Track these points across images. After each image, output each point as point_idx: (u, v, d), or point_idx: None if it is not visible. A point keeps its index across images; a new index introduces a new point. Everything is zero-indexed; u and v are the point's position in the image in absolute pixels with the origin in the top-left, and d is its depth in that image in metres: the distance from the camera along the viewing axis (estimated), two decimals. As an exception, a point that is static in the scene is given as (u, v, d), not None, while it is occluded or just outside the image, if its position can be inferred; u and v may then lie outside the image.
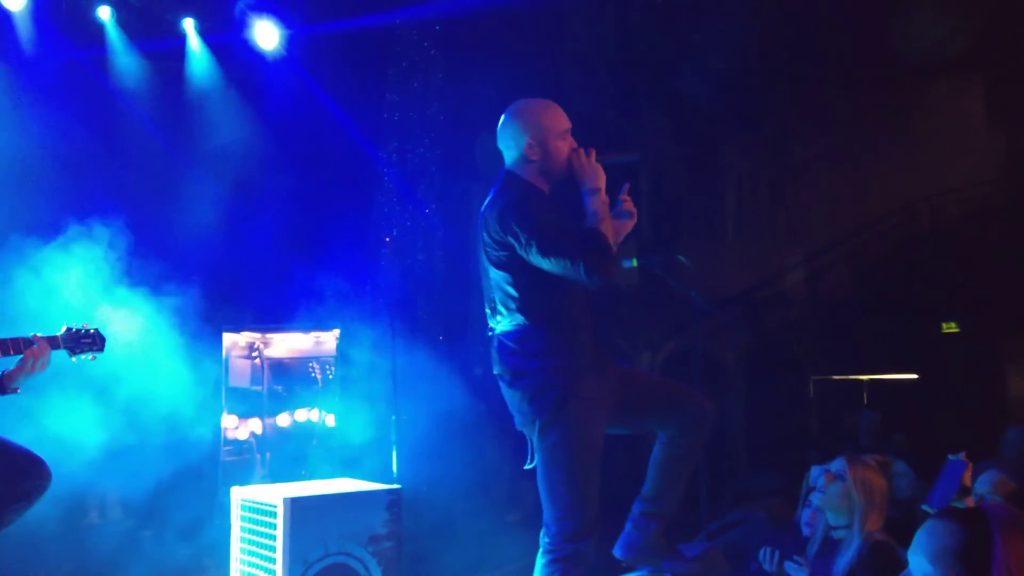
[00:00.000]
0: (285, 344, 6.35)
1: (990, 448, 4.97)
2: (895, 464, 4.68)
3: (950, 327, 8.86)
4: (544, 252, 2.69)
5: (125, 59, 6.08)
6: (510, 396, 2.88)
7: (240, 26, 6.33)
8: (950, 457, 2.90)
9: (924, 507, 2.91)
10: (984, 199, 9.36)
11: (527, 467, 2.89)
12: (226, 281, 5.88)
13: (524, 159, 2.89)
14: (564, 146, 2.89)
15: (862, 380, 9.72)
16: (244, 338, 6.15)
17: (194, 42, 6.33)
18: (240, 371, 6.08)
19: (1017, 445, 4.87)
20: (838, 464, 3.15)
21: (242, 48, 6.43)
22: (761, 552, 3.31)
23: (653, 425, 3.09)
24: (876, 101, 9.06)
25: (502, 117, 2.97)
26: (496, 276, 2.84)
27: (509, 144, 2.93)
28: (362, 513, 3.31)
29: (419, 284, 7.04)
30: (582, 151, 2.89)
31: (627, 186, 3.05)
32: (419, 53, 7.39)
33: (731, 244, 10.39)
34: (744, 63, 8.35)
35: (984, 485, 3.00)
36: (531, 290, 2.79)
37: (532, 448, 2.88)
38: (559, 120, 2.91)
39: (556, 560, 2.78)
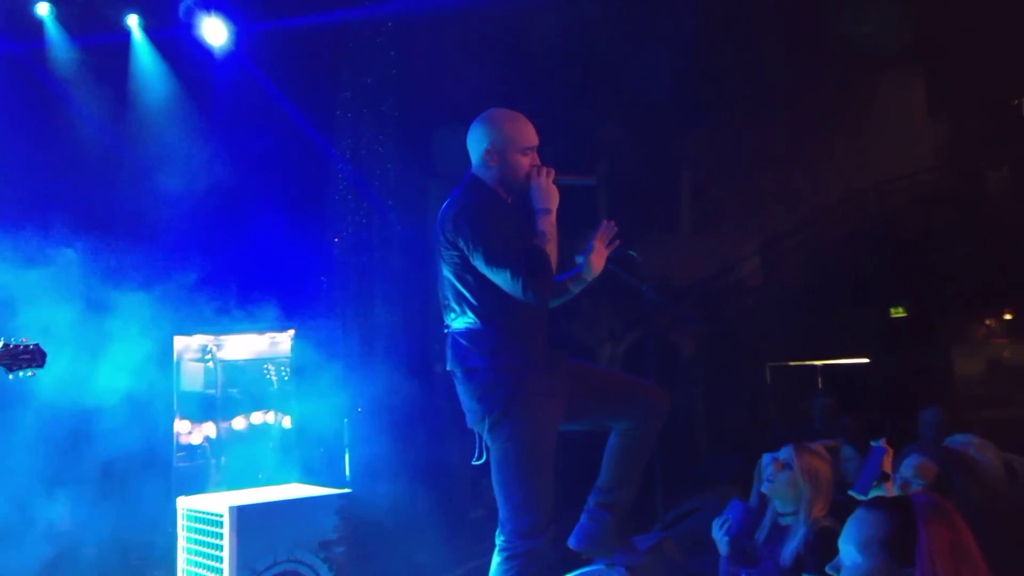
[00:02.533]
0: (239, 346, 6.27)
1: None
2: (843, 448, 4.78)
3: (898, 312, 9.06)
4: (487, 261, 2.73)
5: (66, 55, 5.95)
6: (462, 393, 2.90)
7: (187, 22, 6.22)
8: (872, 443, 2.96)
9: (850, 492, 2.97)
10: (929, 186, 9.58)
11: (475, 463, 2.91)
12: (177, 283, 5.78)
13: (484, 165, 2.94)
14: (524, 161, 2.93)
15: (816, 365, 9.90)
16: (196, 341, 6.06)
17: (138, 38, 6.21)
18: (193, 375, 5.99)
19: (934, 425, 5.03)
20: (786, 453, 3.21)
21: (189, 44, 6.33)
22: (715, 523, 3.36)
23: (606, 419, 3.12)
24: (826, 92, 9.20)
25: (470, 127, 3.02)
26: (449, 274, 2.87)
27: (473, 148, 2.99)
28: (312, 519, 3.29)
29: (375, 282, 7.00)
30: (543, 170, 2.92)
31: (611, 227, 3.05)
32: (373, 49, 7.32)
33: (687, 236, 10.49)
34: (697, 57, 8.42)
35: (908, 469, 3.07)
36: (483, 288, 2.82)
37: (480, 445, 2.90)
38: (523, 135, 2.95)
39: (512, 557, 2.80)
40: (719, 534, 3.31)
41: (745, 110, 9.44)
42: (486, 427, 2.83)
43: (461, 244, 2.78)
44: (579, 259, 3.07)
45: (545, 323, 2.97)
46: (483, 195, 2.90)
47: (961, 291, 8.33)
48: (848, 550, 1.53)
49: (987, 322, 9.44)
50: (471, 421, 2.91)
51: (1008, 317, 9.34)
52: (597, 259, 3.06)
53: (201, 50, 6.35)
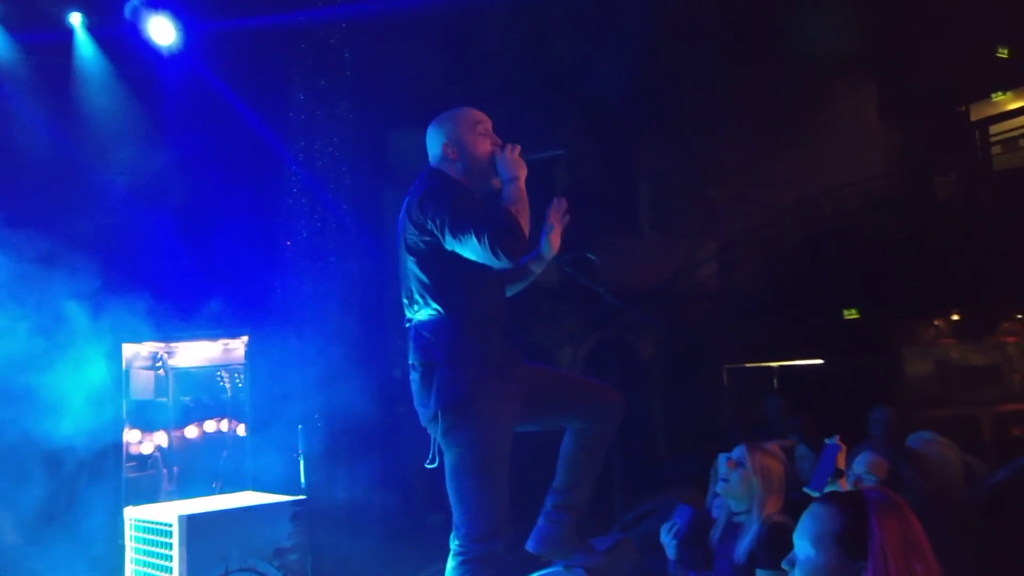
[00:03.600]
0: (191, 353, 6.15)
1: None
2: (798, 448, 4.84)
3: (851, 314, 9.23)
4: (454, 231, 2.68)
5: (7, 54, 5.79)
6: (417, 388, 2.85)
7: (133, 21, 6.08)
8: (827, 441, 3.01)
9: (805, 490, 3.01)
10: (880, 191, 9.80)
11: (428, 466, 2.86)
12: (125, 288, 5.64)
13: (446, 160, 2.92)
14: (482, 141, 2.92)
15: (772, 367, 10.04)
16: (146, 348, 5.93)
17: (82, 37, 6.07)
18: (143, 383, 5.85)
19: (883, 424, 5.15)
20: (739, 452, 3.24)
21: (136, 44, 6.18)
22: (663, 528, 3.38)
23: (560, 420, 3.11)
24: (780, 100, 9.36)
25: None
26: (413, 265, 2.83)
27: (432, 148, 2.98)
28: (265, 527, 3.22)
29: (332, 286, 6.92)
30: (508, 145, 2.91)
31: (563, 203, 3.06)
32: (326, 51, 7.25)
33: (646, 240, 10.58)
34: (654, 64, 8.50)
35: (860, 466, 3.12)
36: (448, 281, 2.78)
37: (433, 447, 2.86)
38: (471, 116, 2.96)
39: (466, 562, 2.76)
40: (667, 538, 3.33)
41: (701, 117, 9.56)
42: (440, 429, 2.78)
43: (430, 225, 2.74)
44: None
45: (507, 320, 2.95)
46: (447, 180, 2.88)
47: (911, 294, 8.52)
48: (802, 544, 1.54)
49: (936, 323, 9.66)
50: (424, 419, 2.86)
51: (956, 318, 9.57)
52: (555, 237, 3.07)
53: (148, 50, 6.21)
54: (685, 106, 9.51)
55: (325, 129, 7.24)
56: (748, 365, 10.34)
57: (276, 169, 7.08)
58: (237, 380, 5.99)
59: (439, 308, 2.80)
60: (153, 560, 3.15)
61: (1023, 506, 3.27)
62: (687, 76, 9.19)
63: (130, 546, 3.31)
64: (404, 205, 2.88)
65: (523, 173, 2.87)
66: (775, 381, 9.99)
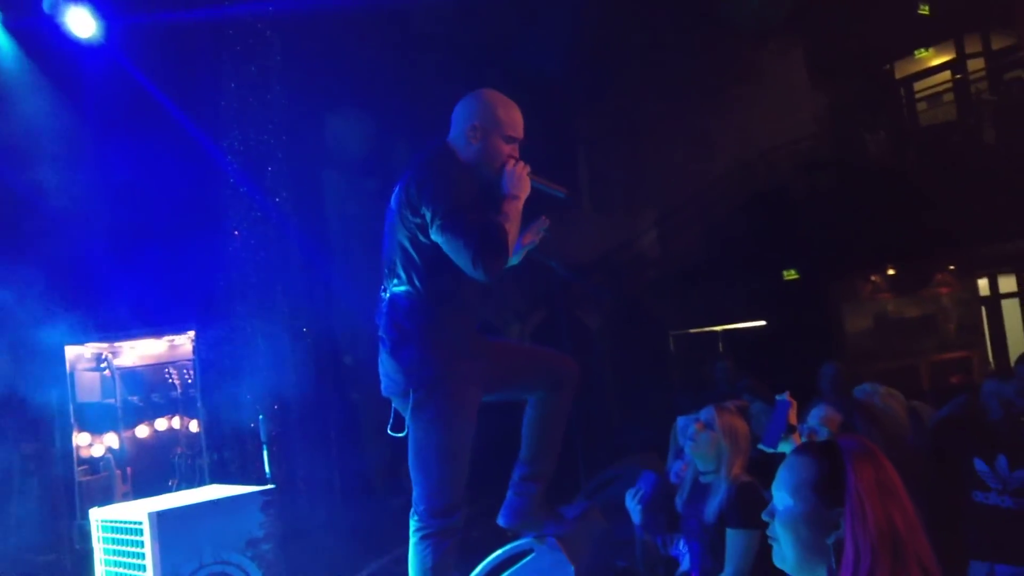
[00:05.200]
0: (136, 352, 6.00)
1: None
2: (753, 406, 4.95)
3: (791, 275, 9.46)
4: (444, 228, 2.67)
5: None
6: (387, 361, 2.84)
7: (52, 14, 5.84)
8: (777, 398, 3.07)
9: (760, 447, 3.07)
10: (812, 152, 10.02)
11: (391, 433, 2.87)
12: (61, 291, 5.47)
13: (465, 140, 2.88)
14: (504, 149, 2.88)
15: (717, 331, 10.26)
16: (90, 349, 5.76)
17: (-5, 30, 5.82)
18: (88, 385, 5.70)
19: (832, 378, 5.32)
20: (707, 414, 3.29)
21: (55, 36, 5.94)
22: (628, 493, 3.43)
23: (520, 390, 3.14)
24: (711, 66, 9.47)
25: (466, 96, 2.95)
26: (404, 239, 2.80)
27: (458, 120, 2.92)
28: (236, 518, 3.18)
29: (276, 276, 6.81)
30: (520, 163, 2.89)
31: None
32: (254, 36, 7.08)
33: (587, 213, 10.65)
34: (586, 36, 8.52)
35: (814, 419, 3.21)
36: (435, 260, 2.76)
37: (394, 415, 2.86)
38: (513, 124, 2.91)
39: (427, 537, 2.78)
40: (632, 504, 3.39)
41: (634, 88, 9.63)
42: (409, 404, 2.78)
43: (423, 210, 2.72)
44: None
45: (480, 306, 2.97)
46: (454, 166, 2.84)
47: (847, 251, 8.76)
48: (780, 496, 1.57)
49: (872, 279, 9.96)
50: (390, 391, 2.86)
51: (891, 273, 9.88)
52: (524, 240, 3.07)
53: (69, 43, 5.98)
54: (617, 79, 9.57)
55: (258, 117, 7.09)
56: (693, 331, 10.55)
57: (210, 160, 6.92)
58: (186, 376, 5.87)
59: (419, 286, 2.80)
60: (125, 560, 3.08)
61: (963, 439, 3.42)
62: (619, 49, 9.24)
63: (99, 547, 3.23)
64: (406, 178, 2.84)
65: (524, 194, 2.87)
66: (720, 345, 10.22)
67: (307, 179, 7.28)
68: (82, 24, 5.86)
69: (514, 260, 3.05)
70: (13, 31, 5.90)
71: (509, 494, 3.19)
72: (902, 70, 10.95)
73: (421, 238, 2.76)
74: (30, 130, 5.85)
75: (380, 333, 2.87)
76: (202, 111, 6.75)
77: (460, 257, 2.67)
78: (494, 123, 2.88)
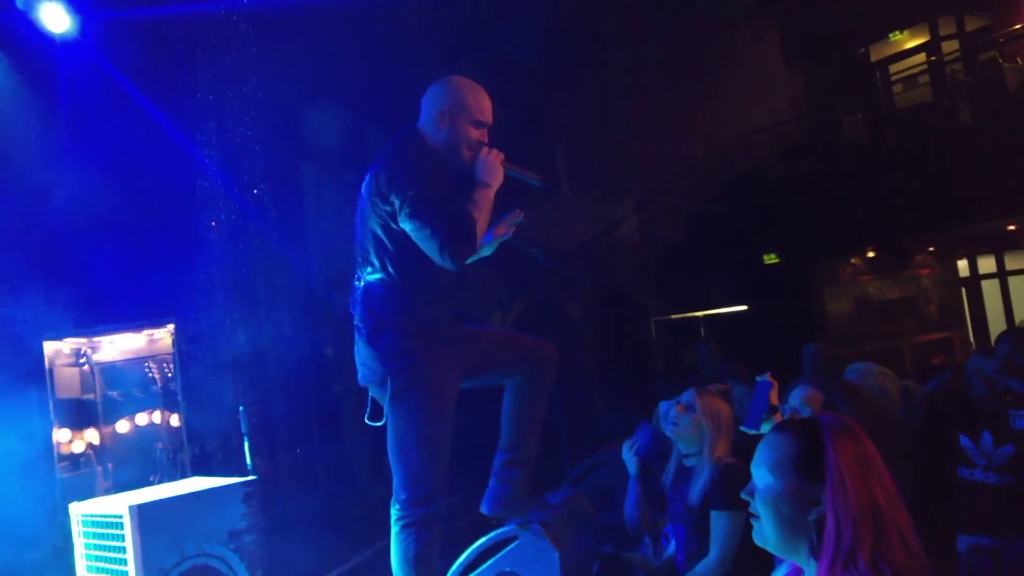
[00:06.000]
0: (115, 346, 5.94)
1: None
2: (735, 388, 4.97)
3: (771, 259, 9.50)
4: (413, 216, 2.66)
5: None
6: (363, 350, 2.83)
7: (26, 10, 5.75)
8: (757, 378, 3.07)
9: (742, 428, 3.08)
10: (790, 136, 10.05)
11: (369, 422, 2.86)
12: (38, 286, 5.41)
13: (433, 125, 2.88)
14: (473, 134, 2.88)
15: (698, 317, 10.30)
16: (68, 345, 5.70)
17: (-33, 24, 5.72)
18: (68, 381, 5.64)
19: (814, 359, 5.36)
20: (688, 396, 3.30)
21: (29, 32, 5.86)
22: (624, 445, 3.44)
23: (498, 375, 3.14)
24: (687, 52, 9.47)
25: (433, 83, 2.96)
26: (376, 227, 2.79)
27: (427, 106, 2.92)
28: (218, 510, 3.17)
29: (255, 268, 6.77)
30: (493, 150, 2.88)
31: (519, 215, 3.04)
32: (228, 28, 7.01)
33: (566, 201, 10.65)
34: (562, 23, 8.50)
35: (796, 399, 3.22)
36: (408, 247, 2.76)
37: (371, 403, 2.86)
38: (481, 108, 2.91)
39: (409, 525, 2.79)
40: (628, 455, 3.40)
41: (611, 75, 9.62)
42: (387, 392, 2.78)
43: (392, 197, 2.71)
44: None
45: (455, 293, 2.96)
46: (423, 153, 2.83)
47: (827, 234, 8.80)
48: (760, 474, 1.58)
49: (852, 261, 10.02)
50: (367, 379, 2.85)
51: (871, 255, 9.94)
52: (497, 232, 3.04)
53: (42, 38, 5.90)
54: (594, 65, 9.55)
55: (235, 110, 7.03)
56: (675, 317, 10.58)
57: (187, 153, 6.86)
58: (166, 370, 5.82)
59: (393, 274, 2.79)
60: (106, 554, 3.06)
61: (949, 416, 3.46)
62: (595, 35, 9.22)
63: (79, 542, 3.20)
64: (376, 165, 2.83)
65: (497, 182, 2.86)
66: (702, 330, 10.25)
67: (284, 171, 7.23)
68: (56, 19, 5.78)
69: (486, 251, 3.04)
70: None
71: (492, 481, 3.19)
72: (877, 53, 11.00)
73: (393, 226, 2.75)
74: (4, 126, 5.78)
75: (356, 322, 2.86)
76: (178, 105, 6.68)
77: (428, 245, 2.67)
78: (461, 108, 2.87)
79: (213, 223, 6.72)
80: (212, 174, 6.87)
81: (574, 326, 10.24)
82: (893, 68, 10.87)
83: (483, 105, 2.93)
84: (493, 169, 2.86)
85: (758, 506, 1.57)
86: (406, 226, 2.69)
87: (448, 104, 2.87)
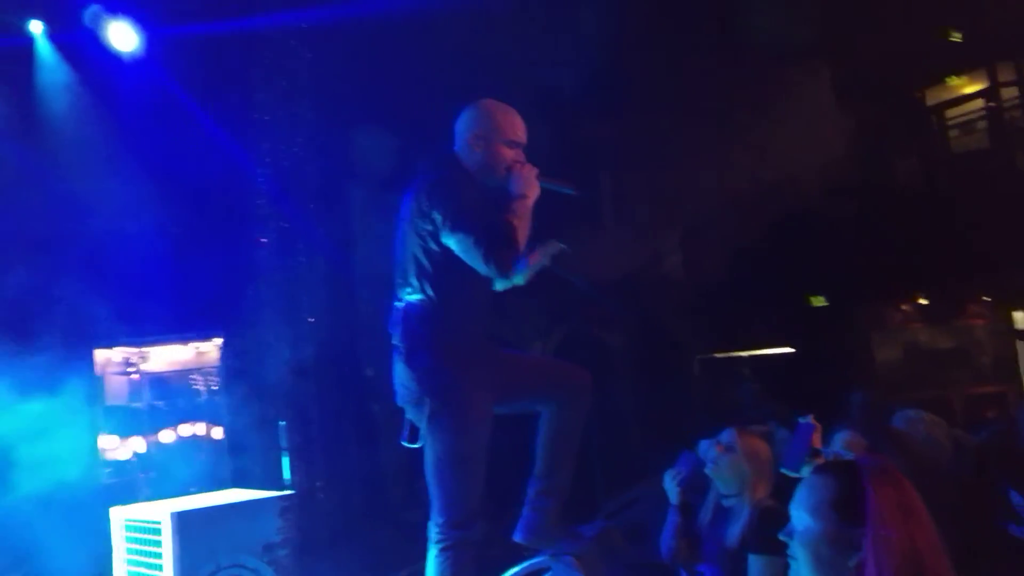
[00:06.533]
0: (164, 357, 6.09)
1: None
2: (777, 431, 4.90)
3: (818, 301, 9.35)
4: (455, 229, 2.73)
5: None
6: (401, 371, 2.88)
7: (93, 28, 5.99)
8: (800, 420, 3.03)
9: (781, 470, 3.03)
10: (841, 176, 9.91)
11: (405, 443, 2.89)
12: (94, 295, 5.57)
13: (468, 149, 2.97)
14: (508, 154, 2.96)
15: (743, 356, 10.16)
16: (119, 353, 5.86)
17: (42, 44, 5.97)
18: (117, 388, 5.80)
19: (862, 406, 5.25)
20: (728, 436, 3.27)
21: (97, 50, 6.10)
22: (667, 474, 3.40)
23: (533, 402, 3.15)
24: (737, 88, 9.44)
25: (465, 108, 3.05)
26: (416, 248, 2.85)
27: (460, 131, 3.02)
28: (254, 522, 3.21)
29: (301, 286, 6.88)
30: (527, 165, 2.95)
31: (557, 246, 3.09)
32: (286, 52, 7.20)
33: (610, 231, 10.63)
34: (612, 53, 8.55)
35: (838, 443, 3.17)
36: (447, 268, 2.82)
37: (407, 425, 2.89)
38: (513, 128, 3.00)
39: (447, 548, 2.81)
40: (670, 484, 3.36)
41: (660, 107, 9.62)
42: (424, 413, 2.81)
43: (435, 215, 2.77)
44: None
45: (489, 315, 3.00)
46: (461, 173, 2.92)
47: (877, 279, 8.65)
48: (799, 515, 1.56)
49: (903, 308, 9.82)
50: (404, 399, 2.90)
51: (922, 302, 9.73)
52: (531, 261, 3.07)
53: (108, 56, 6.13)
54: (644, 97, 9.56)
55: (289, 129, 7.19)
56: (718, 355, 10.45)
57: (241, 171, 7.02)
58: (211, 383, 5.94)
59: (431, 294, 2.84)
60: (144, 559, 3.11)
61: (998, 469, 3.36)
62: (644, 66, 9.25)
63: (120, 546, 3.27)
64: (414, 186, 2.90)
65: (534, 194, 2.93)
66: (745, 370, 10.11)
67: (332, 191, 7.36)
68: (123, 38, 6.01)
69: (519, 279, 3.06)
70: (58, 45, 6.05)
71: (525, 510, 3.19)
72: (933, 96, 10.85)
73: (432, 245, 2.81)
74: (69, 139, 6.00)
75: (395, 342, 2.91)
76: (232, 122, 6.87)
77: (471, 255, 2.73)
78: (494, 129, 2.97)
79: (263, 240, 6.86)
80: (264, 191, 7.03)
81: (613, 358, 10.17)
82: (949, 113, 10.71)
83: (515, 125, 3.01)
84: (528, 181, 2.92)
85: (796, 548, 1.56)
86: (449, 241, 2.75)
87: (481, 127, 2.96)
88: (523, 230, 2.83)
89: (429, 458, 2.85)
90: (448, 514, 2.81)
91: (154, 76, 6.34)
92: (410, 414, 2.90)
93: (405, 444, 2.90)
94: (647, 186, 10.73)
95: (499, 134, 2.96)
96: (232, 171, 6.91)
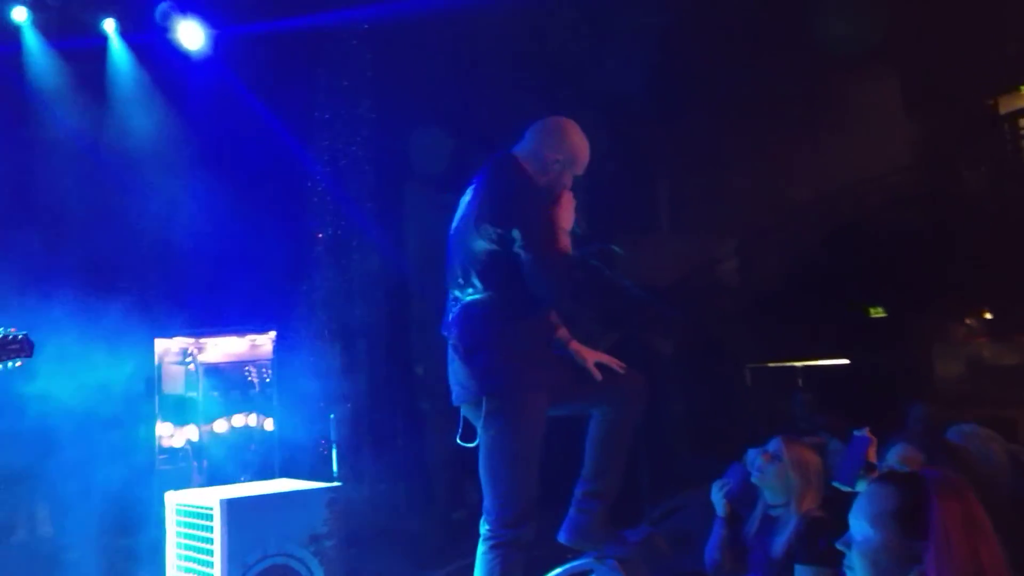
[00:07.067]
0: (220, 349, 6.20)
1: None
2: (830, 443, 4.80)
3: (877, 312, 9.13)
4: (532, 252, 2.78)
5: (43, 61, 5.88)
6: (458, 369, 2.90)
7: (163, 27, 6.16)
8: (855, 433, 2.95)
9: (834, 483, 2.96)
10: (906, 185, 9.67)
11: (460, 442, 2.90)
12: (157, 286, 5.73)
13: (541, 163, 3.00)
14: (568, 183, 3.03)
15: (796, 366, 9.96)
16: (177, 344, 5.99)
17: (115, 43, 6.15)
18: (174, 377, 5.93)
19: (921, 420, 5.10)
20: (775, 445, 3.22)
21: (166, 49, 6.26)
22: (714, 485, 3.36)
23: (586, 404, 3.14)
24: (801, 92, 9.27)
25: (549, 120, 3.12)
26: (480, 250, 2.86)
27: (539, 143, 3.05)
28: (302, 513, 3.25)
29: (355, 283, 6.96)
30: (570, 194, 3.01)
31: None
32: (347, 52, 7.30)
33: (665, 236, 10.53)
34: (673, 56, 8.47)
35: (893, 458, 3.09)
36: (510, 272, 2.84)
37: (462, 422, 2.90)
38: (583, 164, 3.07)
39: (496, 546, 2.81)
40: (717, 496, 3.34)
41: (721, 110, 9.49)
42: (481, 413, 2.82)
43: (505, 224, 2.81)
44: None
45: (550, 319, 3.06)
46: (531, 185, 2.94)
47: (940, 291, 8.40)
48: (859, 525, 1.52)
49: (967, 322, 9.51)
50: (461, 399, 2.91)
51: (988, 317, 9.41)
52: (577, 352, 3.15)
53: (177, 54, 6.28)
54: (703, 99, 9.45)
55: (348, 129, 7.29)
56: (771, 364, 10.27)
57: (301, 169, 7.14)
58: (264, 375, 6.03)
59: (495, 295, 2.85)
60: (195, 543, 3.18)
61: None
62: (705, 69, 9.14)
63: (172, 529, 3.34)
64: (480, 188, 2.91)
65: (570, 225, 2.99)
66: (799, 381, 9.91)
67: (389, 190, 7.44)
68: (192, 37, 6.16)
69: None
70: (130, 44, 6.23)
71: (571, 511, 3.18)
72: (1006, 105, 10.50)
73: (499, 249, 2.80)
74: (138, 135, 6.16)
75: (453, 341, 2.92)
76: (294, 119, 6.98)
77: (540, 285, 2.78)
78: (574, 161, 3.05)
79: (319, 235, 6.96)
80: (322, 189, 7.13)
81: (664, 365, 10.06)
82: (1022, 122, 10.36)
83: (587, 161, 3.08)
84: (570, 214, 2.97)
85: (854, 558, 1.52)
86: (522, 257, 2.76)
87: (565, 155, 3.02)
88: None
89: (483, 457, 2.86)
90: (500, 513, 2.81)
91: (219, 74, 6.48)
92: (466, 413, 2.92)
93: (460, 443, 2.92)
94: (704, 191, 10.61)
95: (576, 167, 3.03)
96: (291, 168, 7.03)
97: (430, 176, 7.70)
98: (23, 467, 4.30)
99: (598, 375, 3.07)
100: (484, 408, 2.81)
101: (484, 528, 2.85)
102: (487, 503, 2.85)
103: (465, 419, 2.93)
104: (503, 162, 2.99)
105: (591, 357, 3.11)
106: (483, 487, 2.86)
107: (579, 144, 3.05)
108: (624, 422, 3.13)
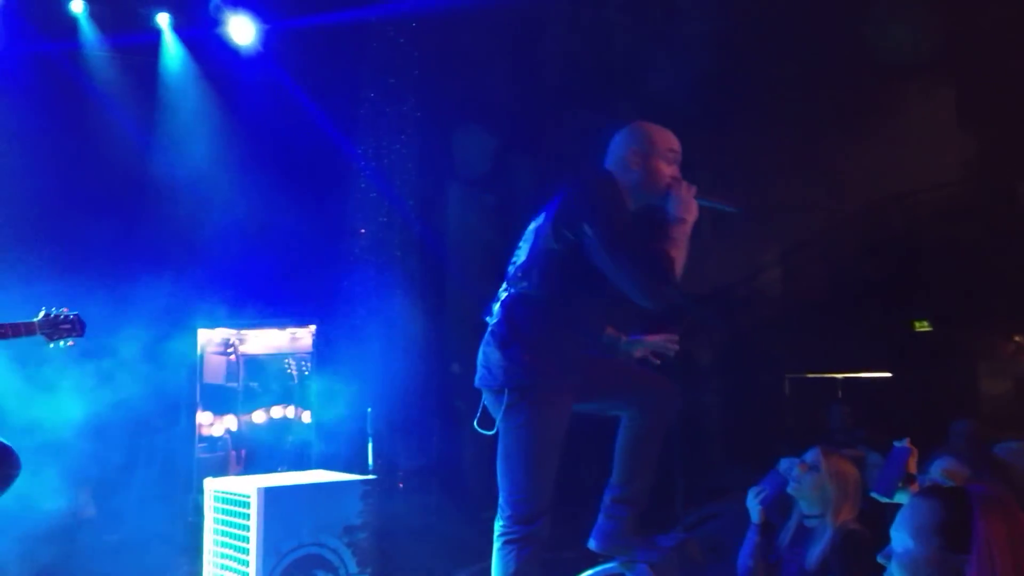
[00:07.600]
0: (260, 341, 6.30)
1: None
2: (869, 456, 4.72)
3: (923, 325, 8.94)
4: (613, 253, 2.71)
5: (98, 53, 6.01)
6: (489, 353, 2.88)
7: (215, 21, 6.27)
8: (895, 444, 2.89)
9: (872, 495, 2.90)
10: (955, 198, 9.46)
11: (478, 428, 2.90)
12: (201, 277, 5.82)
13: (624, 166, 2.95)
14: (666, 170, 2.95)
15: (836, 378, 9.80)
16: (219, 334, 6.10)
17: (168, 37, 6.27)
18: (215, 368, 6.02)
19: (965, 436, 4.99)
20: (812, 455, 3.17)
21: (217, 44, 6.38)
22: (751, 491, 3.33)
23: (615, 406, 3.12)
24: (847, 101, 9.13)
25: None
26: (551, 251, 2.84)
27: (615, 148, 3.02)
28: (337, 504, 3.29)
29: (396, 280, 7.01)
30: (684, 184, 2.93)
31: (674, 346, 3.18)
32: (394, 49, 7.35)
33: (707, 242, 10.42)
34: (721, 61, 8.39)
35: (936, 471, 3.02)
36: (574, 277, 2.82)
37: (483, 410, 2.89)
38: (668, 140, 3.00)
39: (510, 542, 2.81)
40: (753, 502, 3.28)
41: (767, 116, 9.38)
42: (503, 404, 2.81)
43: (586, 228, 2.76)
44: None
45: (599, 329, 3.07)
46: (618, 192, 2.88)
47: (989, 306, 8.21)
48: (901, 537, 1.49)
49: (1016, 339, 9.28)
50: (484, 382, 2.88)
51: (1039, 335, 9.18)
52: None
53: (227, 49, 6.39)
54: (749, 105, 9.35)
55: (393, 126, 7.34)
56: (811, 375, 10.12)
57: (345, 165, 7.21)
58: (303, 368, 6.10)
59: (548, 293, 2.84)
60: (232, 530, 3.23)
61: None
62: (752, 74, 9.04)
63: (210, 516, 3.40)
64: (565, 194, 2.89)
65: (692, 216, 2.89)
66: (838, 393, 9.76)
67: (432, 188, 7.47)
68: (242, 31, 6.26)
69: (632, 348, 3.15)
70: (183, 38, 6.34)
71: (600, 517, 3.17)
72: (1062, 117, 10.24)
73: (570, 253, 2.79)
74: (188, 129, 6.28)
75: (492, 327, 2.91)
76: (339, 115, 7.05)
77: (627, 283, 2.72)
78: (651, 145, 2.95)
79: (362, 231, 7.02)
80: (366, 184, 7.19)
81: (701, 373, 9.97)
82: (1080, 135, 10.08)
83: (670, 139, 3.01)
84: (688, 205, 2.88)
85: (894, 570, 1.49)
86: (603, 261, 2.73)
87: (638, 144, 2.95)
88: (680, 260, 2.79)
89: (500, 451, 2.86)
90: (515, 509, 2.80)
91: (268, 69, 6.57)
92: (486, 399, 2.91)
93: (477, 428, 2.92)
94: (745, 197, 10.48)
95: (656, 148, 2.95)
96: (336, 163, 7.11)
97: (473, 175, 7.73)
98: (66, 450, 4.38)
99: (655, 360, 3.07)
100: (505, 400, 2.81)
101: (498, 524, 2.84)
102: (502, 499, 2.85)
103: (484, 406, 2.92)
104: (587, 171, 3.01)
105: (652, 339, 3.10)
106: (499, 482, 2.86)
107: (648, 129, 3.01)
108: (653, 429, 3.10)
